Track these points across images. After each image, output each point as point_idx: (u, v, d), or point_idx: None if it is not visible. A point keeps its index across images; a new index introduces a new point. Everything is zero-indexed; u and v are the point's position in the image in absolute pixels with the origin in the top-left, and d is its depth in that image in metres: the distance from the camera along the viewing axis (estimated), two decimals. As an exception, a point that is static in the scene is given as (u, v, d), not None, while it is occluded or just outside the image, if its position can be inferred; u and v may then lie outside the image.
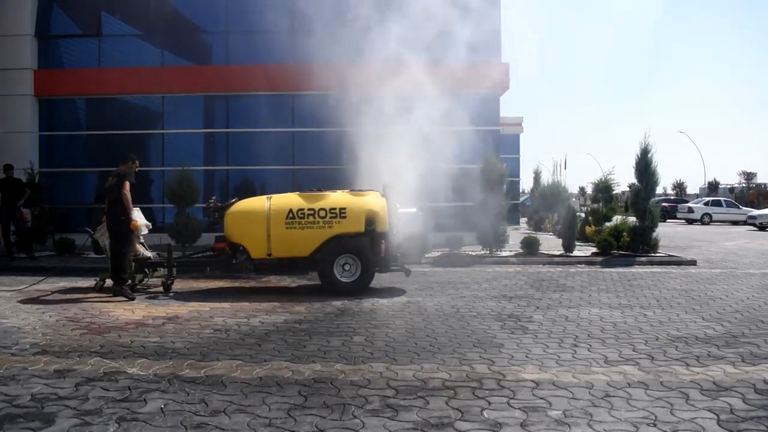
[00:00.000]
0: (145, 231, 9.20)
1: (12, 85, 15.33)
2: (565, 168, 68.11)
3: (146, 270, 9.12)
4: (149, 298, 8.45)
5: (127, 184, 8.48)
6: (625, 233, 13.76)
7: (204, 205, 9.08)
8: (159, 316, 7.11)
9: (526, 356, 5.14)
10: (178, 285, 9.29)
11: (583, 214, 17.67)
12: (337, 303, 7.88)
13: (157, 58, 16.31)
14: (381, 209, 8.70)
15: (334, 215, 8.59)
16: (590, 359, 5.03)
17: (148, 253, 9.24)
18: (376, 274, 8.98)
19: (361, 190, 9.11)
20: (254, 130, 15.78)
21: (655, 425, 3.58)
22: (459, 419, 3.69)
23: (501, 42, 15.83)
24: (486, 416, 3.73)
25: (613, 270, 11.55)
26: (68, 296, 8.56)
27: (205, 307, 7.67)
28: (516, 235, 16.98)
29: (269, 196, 8.95)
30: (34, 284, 9.39)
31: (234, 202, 9.02)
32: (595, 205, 15.85)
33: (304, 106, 15.46)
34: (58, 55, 16.28)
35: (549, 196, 20.20)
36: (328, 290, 8.56)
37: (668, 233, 21.47)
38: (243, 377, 4.61)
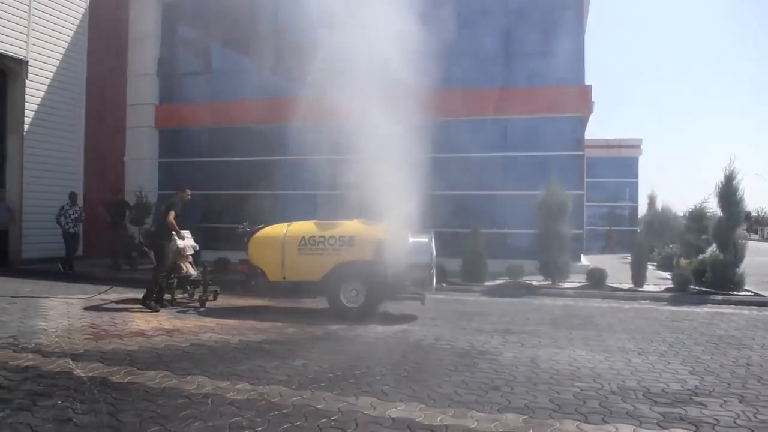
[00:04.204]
0: (190, 252, 10.33)
1: (138, 118, 17.77)
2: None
3: (188, 287, 10.26)
4: (180, 312, 9.50)
5: (173, 213, 9.70)
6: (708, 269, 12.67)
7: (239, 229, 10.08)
8: (163, 328, 8.06)
9: (410, 396, 5.18)
10: (222, 301, 10.32)
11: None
12: (333, 327, 8.34)
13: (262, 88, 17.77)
14: (388, 239, 9.02)
15: (342, 243, 9.08)
16: (488, 404, 5.02)
17: (193, 272, 10.35)
18: (411, 301, 9.43)
19: (373, 220, 9.46)
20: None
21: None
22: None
23: (584, 64, 15.36)
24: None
25: (672, 308, 10.74)
26: (119, 306, 9.84)
27: (212, 323, 8.52)
28: (617, 265, 16.18)
29: (290, 223, 9.65)
30: (101, 293, 10.86)
31: (260, 228, 9.83)
32: (688, 236, 14.68)
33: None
34: (177, 90, 18.56)
35: (656, 222, 18.82)
36: (335, 314, 9.04)
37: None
38: (151, 386, 5.30)
